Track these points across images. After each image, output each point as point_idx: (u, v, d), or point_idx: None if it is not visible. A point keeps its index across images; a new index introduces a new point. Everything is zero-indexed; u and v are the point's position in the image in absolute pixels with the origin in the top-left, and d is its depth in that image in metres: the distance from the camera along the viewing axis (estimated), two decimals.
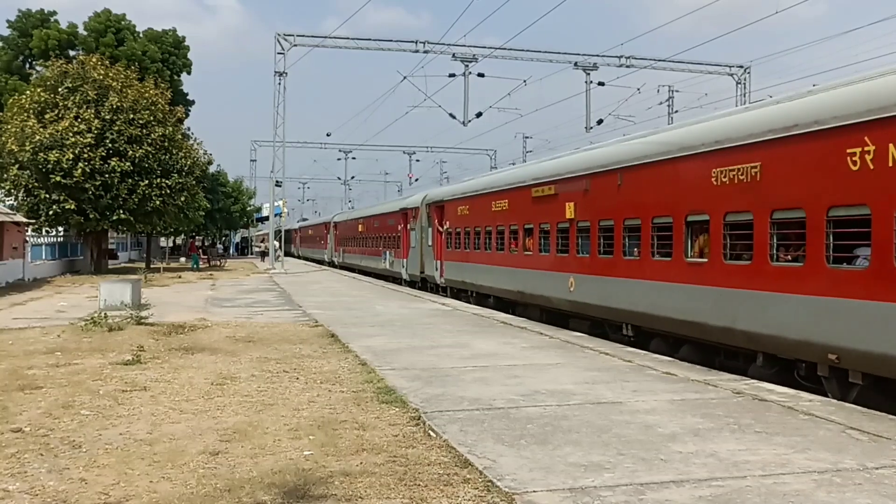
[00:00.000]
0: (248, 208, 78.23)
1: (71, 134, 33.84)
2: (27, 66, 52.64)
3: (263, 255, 60.35)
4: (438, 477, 5.92)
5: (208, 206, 54.08)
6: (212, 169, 53.39)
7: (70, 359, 11.51)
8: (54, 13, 53.32)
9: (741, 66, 43.71)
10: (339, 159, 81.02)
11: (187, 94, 56.50)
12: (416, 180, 78.78)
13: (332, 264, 54.46)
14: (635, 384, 9.55)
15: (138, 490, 5.65)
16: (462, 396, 8.80)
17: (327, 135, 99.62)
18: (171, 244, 72.93)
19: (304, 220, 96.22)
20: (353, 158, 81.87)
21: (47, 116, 34.61)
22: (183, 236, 66.66)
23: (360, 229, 42.99)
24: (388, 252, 35.61)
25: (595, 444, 6.72)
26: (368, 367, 10.84)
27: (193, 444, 6.89)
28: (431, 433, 7.19)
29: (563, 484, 5.66)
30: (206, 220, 58.02)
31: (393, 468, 6.15)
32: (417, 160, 78.44)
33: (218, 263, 52.02)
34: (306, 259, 70.90)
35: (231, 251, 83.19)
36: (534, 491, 5.50)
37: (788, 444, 6.67)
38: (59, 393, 8.98)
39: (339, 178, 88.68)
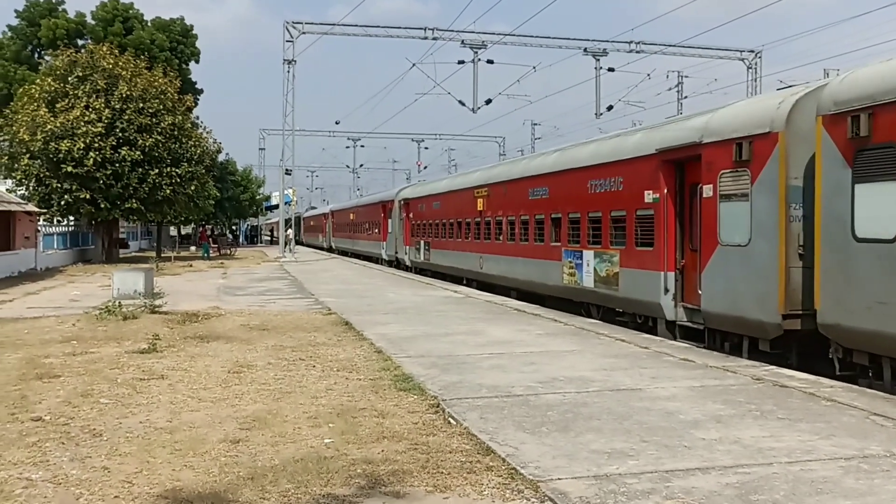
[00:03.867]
0: (258, 197, 78.24)
1: (82, 123, 33.87)
2: (36, 55, 52.72)
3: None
4: (461, 465, 5.88)
5: (218, 194, 54.06)
6: (220, 157, 53.39)
7: (86, 347, 11.52)
8: (62, 2, 53.38)
9: (752, 51, 43.40)
10: (347, 147, 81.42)
11: (195, 83, 56.54)
12: (426, 167, 78.91)
13: (395, 264, 36.58)
14: (653, 371, 9.50)
15: (161, 479, 5.64)
16: (480, 384, 8.77)
17: (336, 122, 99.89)
18: (180, 233, 73.15)
19: (313, 208, 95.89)
20: (362, 146, 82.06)
21: (58, 106, 34.63)
22: (193, 225, 66.61)
23: (478, 207, 23.83)
24: (613, 256, 15.04)
25: (617, 432, 6.68)
26: (384, 354, 10.82)
27: (214, 432, 6.87)
28: (451, 420, 7.16)
29: (588, 471, 5.62)
30: (215, 208, 58.08)
31: (415, 456, 6.12)
32: (426, 148, 78.57)
33: (228, 252, 52.12)
34: (342, 253, 54.17)
35: (241, 240, 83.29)
36: (558, 478, 5.47)
37: (813, 431, 6.62)
38: (78, 381, 8.99)
39: (347, 167, 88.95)
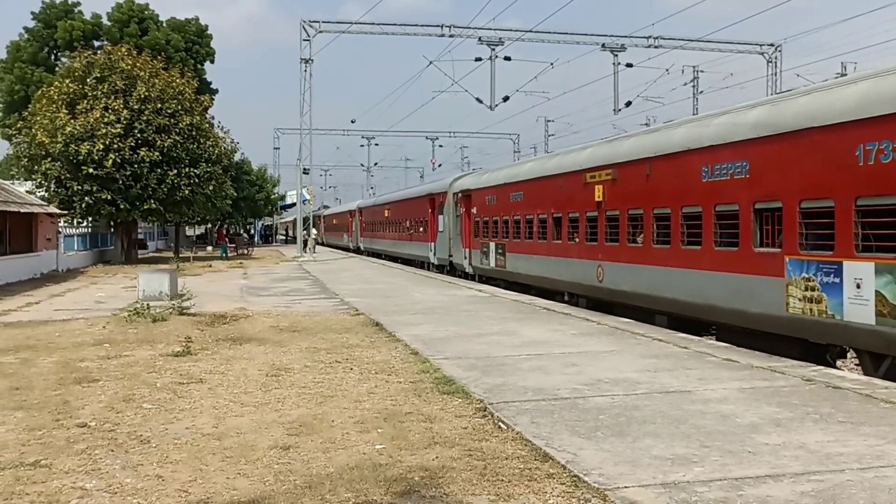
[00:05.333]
0: (273, 196, 78.33)
1: (101, 124, 33.93)
2: (52, 57, 52.94)
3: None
4: (520, 472, 5.74)
5: (235, 194, 54.12)
6: (236, 157, 53.40)
7: (120, 350, 11.45)
8: (78, 3, 53.58)
9: (772, 45, 43.04)
10: (361, 146, 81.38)
11: (210, 83, 56.63)
12: (440, 165, 78.86)
13: (448, 269, 30.38)
14: (698, 372, 9.33)
15: (217, 487, 5.52)
16: (524, 386, 8.62)
17: (352, 121, 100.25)
18: (197, 233, 73.31)
19: (326, 206, 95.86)
20: (376, 145, 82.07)
21: (79, 107, 34.67)
22: (209, 225, 66.68)
23: (596, 196, 17.13)
24: None
25: (675, 436, 6.52)
26: (421, 356, 10.68)
27: (262, 438, 6.76)
28: (502, 425, 7.02)
29: (654, 479, 5.46)
30: (231, 208, 58.14)
31: (471, 462, 5.98)
32: (441, 146, 78.57)
33: (245, 252, 52.14)
34: (374, 256, 47.38)
35: (256, 239, 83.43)
36: (625, 486, 5.31)
37: (878, 435, 6.43)
38: (117, 386, 8.91)
39: (361, 165, 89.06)
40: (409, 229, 38.23)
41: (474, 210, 26.81)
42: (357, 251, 55.35)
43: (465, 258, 27.76)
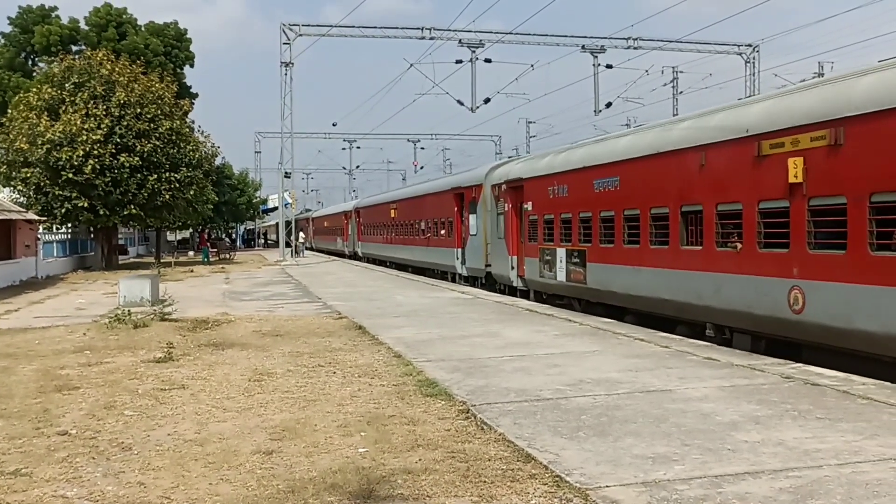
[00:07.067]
0: (255, 200, 77.96)
1: (83, 131, 33.65)
2: (29, 62, 52.48)
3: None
4: (503, 473, 5.77)
5: (216, 198, 53.84)
6: (217, 161, 53.08)
7: (101, 357, 11.38)
8: (55, 8, 53.12)
9: (750, 45, 43.44)
10: (343, 149, 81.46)
11: (190, 87, 56.30)
12: (422, 168, 78.97)
13: (482, 282, 24.52)
14: (680, 371, 9.41)
15: (199, 493, 5.51)
16: (507, 388, 8.66)
17: (333, 124, 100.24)
18: (178, 238, 72.91)
19: (308, 210, 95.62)
20: (358, 148, 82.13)
21: (63, 116, 34.25)
22: (190, 230, 66.24)
23: (792, 175, 10.32)
24: None
25: (656, 435, 6.58)
26: (404, 359, 10.70)
27: (244, 443, 6.75)
28: (485, 427, 7.04)
29: (635, 478, 5.51)
30: (213, 213, 57.80)
31: (454, 464, 6.01)
32: (422, 148, 78.73)
33: (227, 256, 51.90)
34: (378, 263, 42.03)
35: (238, 243, 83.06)
36: (607, 486, 5.36)
37: (855, 431, 6.52)
38: (98, 393, 8.86)
39: (343, 168, 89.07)
40: (425, 232, 31.72)
41: (528, 206, 20.22)
42: (354, 257, 49.59)
43: (512, 268, 21.37)
